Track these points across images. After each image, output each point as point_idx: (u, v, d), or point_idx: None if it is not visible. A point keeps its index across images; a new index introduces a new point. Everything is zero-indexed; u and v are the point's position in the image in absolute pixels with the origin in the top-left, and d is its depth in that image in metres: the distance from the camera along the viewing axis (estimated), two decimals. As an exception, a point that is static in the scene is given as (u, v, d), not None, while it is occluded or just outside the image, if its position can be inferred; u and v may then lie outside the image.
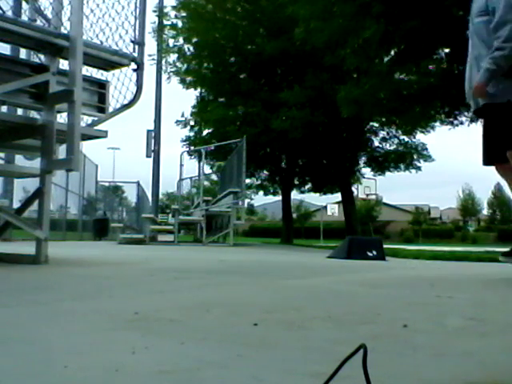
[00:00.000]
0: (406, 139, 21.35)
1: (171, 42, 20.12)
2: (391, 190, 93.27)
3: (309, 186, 24.13)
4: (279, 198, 25.55)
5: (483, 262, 7.09)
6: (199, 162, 17.80)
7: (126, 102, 4.46)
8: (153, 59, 17.80)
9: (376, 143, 22.15)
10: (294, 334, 1.46)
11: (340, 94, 12.95)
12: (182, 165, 15.70)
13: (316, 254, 9.05)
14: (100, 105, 4.51)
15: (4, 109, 4.49)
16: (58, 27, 4.02)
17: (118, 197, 28.20)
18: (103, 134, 4.42)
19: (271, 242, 22.54)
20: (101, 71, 4.49)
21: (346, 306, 2.14)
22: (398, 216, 53.72)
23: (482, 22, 3.23)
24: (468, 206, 59.11)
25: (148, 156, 17.25)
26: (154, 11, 18.72)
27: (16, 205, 10.33)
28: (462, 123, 13.89)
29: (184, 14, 19.55)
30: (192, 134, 22.09)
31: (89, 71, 4.45)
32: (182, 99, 26.54)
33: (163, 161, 17.78)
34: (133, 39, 4.35)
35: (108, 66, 4.36)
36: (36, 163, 4.43)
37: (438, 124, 16.05)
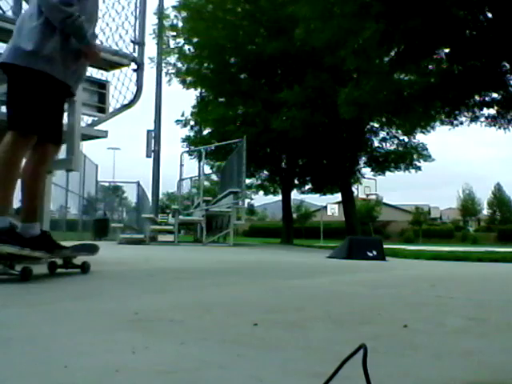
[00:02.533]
0: (406, 139, 21.37)
1: (172, 42, 20.16)
2: (391, 190, 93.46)
3: (309, 186, 24.11)
4: (279, 197, 25.52)
5: (483, 262, 7.10)
6: (199, 162, 17.80)
7: (126, 102, 4.46)
8: (153, 61, 17.77)
9: (376, 143, 22.18)
10: (294, 334, 1.46)
11: (340, 97, 12.98)
12: (182, 165, 15.69)
13: (316, 254, 9.05)
14: (100, 105, 4.51)
15: (4, 109, 4.49)
16: (57, 27, 4.01)
17: (118, 197, 28.16)
18: (103, 134, 4.42)
19: (271, 242, 22.51)
20: (101, 71, 4.49)
21: (346, 306, 2.14)
22: (398, 216, 53.64)
23: None
24: (468, 206, 59.04)
25: (148, 156, 17.23)
26: (155, 14, 18.70)
27: (16, 205, 10.30)
28: (461, 123, 13.88)
29: (184, 15, 19.57)
30: (192, 133, 22.13)
31: (89, 71, 4.45)
32: (182, 99, 26.54)
33: (163, 161, 17.75)
34: (133, 39, 4.35)
35: (108, 66, 4.36)
36: (36, 163, 4.42)
37: (438, 124, 16.05)
